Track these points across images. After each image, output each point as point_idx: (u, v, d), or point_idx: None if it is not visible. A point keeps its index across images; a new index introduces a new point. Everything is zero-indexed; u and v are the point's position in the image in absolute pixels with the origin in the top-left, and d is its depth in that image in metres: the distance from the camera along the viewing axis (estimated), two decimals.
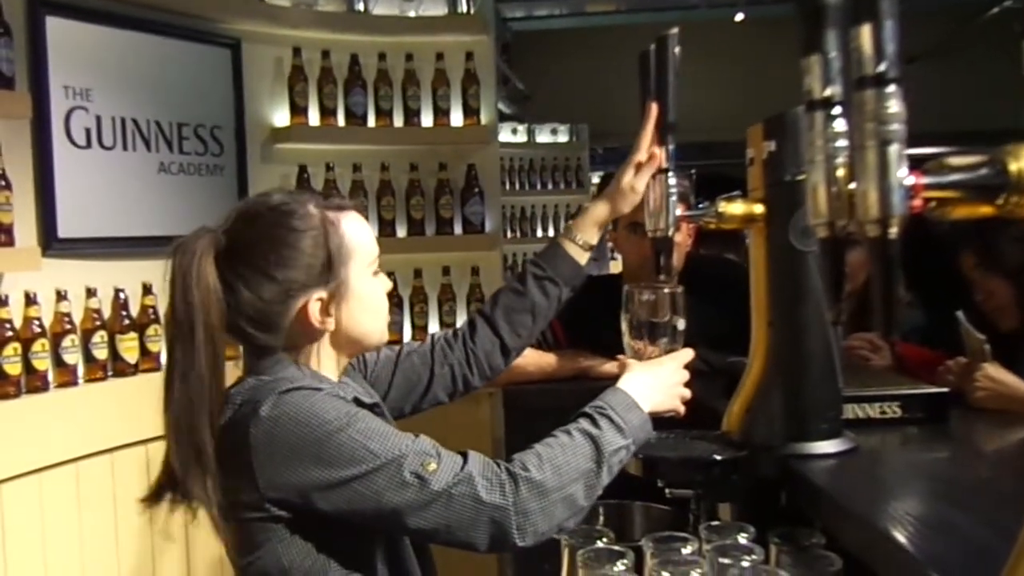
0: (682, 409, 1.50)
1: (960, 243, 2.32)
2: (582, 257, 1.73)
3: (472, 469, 1.27)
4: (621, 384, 1.44)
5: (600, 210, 1.73)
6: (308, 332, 1.40)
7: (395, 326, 3.30)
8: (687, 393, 1.50)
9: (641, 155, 1.67)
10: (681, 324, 1.53)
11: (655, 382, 1.46)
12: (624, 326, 1.56)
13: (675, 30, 1.60)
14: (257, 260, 1.36)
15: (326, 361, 1.43)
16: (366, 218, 1.49)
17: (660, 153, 1.66)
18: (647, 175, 1.67)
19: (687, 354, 1.53)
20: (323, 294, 1.37)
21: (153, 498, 1.38)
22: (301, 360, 1.41)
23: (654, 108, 1.65)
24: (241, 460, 1.29)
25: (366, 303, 1.42)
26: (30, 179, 2.53)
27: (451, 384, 1.71)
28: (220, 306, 1.34)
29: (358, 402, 1.38)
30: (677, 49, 1.60)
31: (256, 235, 1.38)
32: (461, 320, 3.49)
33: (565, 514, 1.30)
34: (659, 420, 1.47)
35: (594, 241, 1.73)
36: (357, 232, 1.42)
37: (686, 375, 1.51)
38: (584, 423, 1.36)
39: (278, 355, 1.39)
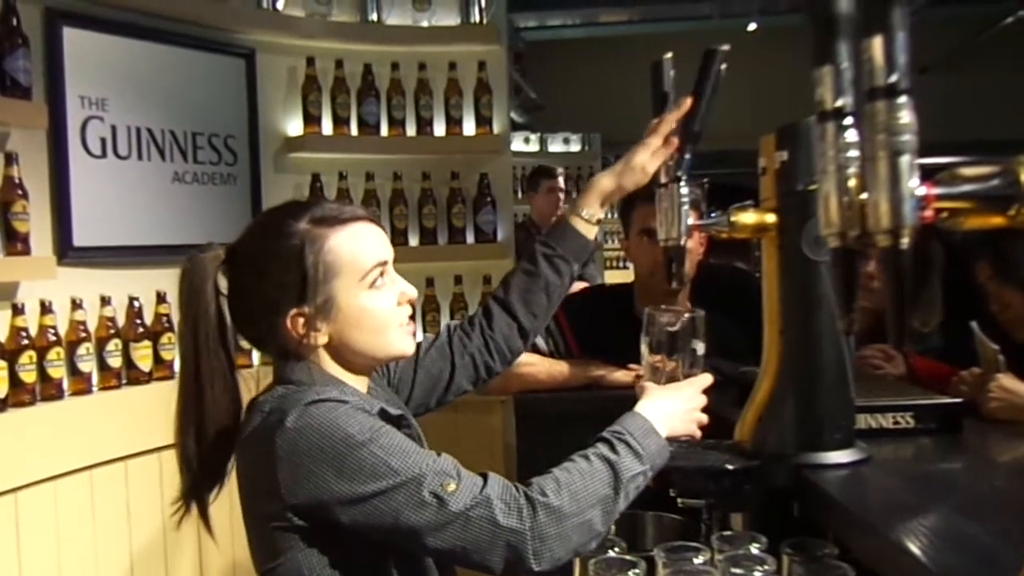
0: (698, 434, 1.49)
1: (975, 254, 2.31)
2: (590, 231, 1.72)
3: (491, 492, 1.27)
4: (639, 408, 1.42)
5: (606, 183, 1.71)
6: (302, 346, 1.40)
7: None
8: (704, 418, 1.49)
9: (658, 139, 1.66)
10: (701, 348, 1.52)
11: (673, 407, 1.44)
12: (644, 348, 1.55)
13: (726, 47, 1.60)
14: (244, 275, 1.42)
15: (338, 372, 1.43)
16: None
17: (675, 140, 1.65)
18: (661, 158, 1.66)
19: (706, 379, 1.51)
20: (303, 310, 1.37)
21: (185, 504, 1.45)
22: (319, 367, 1.41)
23: (689, 101, 1.63)
24: (266, 469, 1.30)
25: (360, 321, 1.40)
26: (46, 188, 2.55)
27: (473, 372, 1.71)
28: (217, 319, 1.40)
29: (384, 414, 1.37)
30: (723, 66, 1.60)
31: (246, 249, 1.43)
32: None
33: (582, 539, 1.29)
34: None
35: (600, 215, 1.72)
36: (349, 247, 1.39)
37: (704, 400, 1.49)
38: (602, 448, 1.35)
39: (294, 361, 1.41)
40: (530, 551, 1.25)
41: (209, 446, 1.40)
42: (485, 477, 1.30)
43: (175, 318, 2.76)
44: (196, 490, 1.44)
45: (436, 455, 1.32)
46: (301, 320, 1.38)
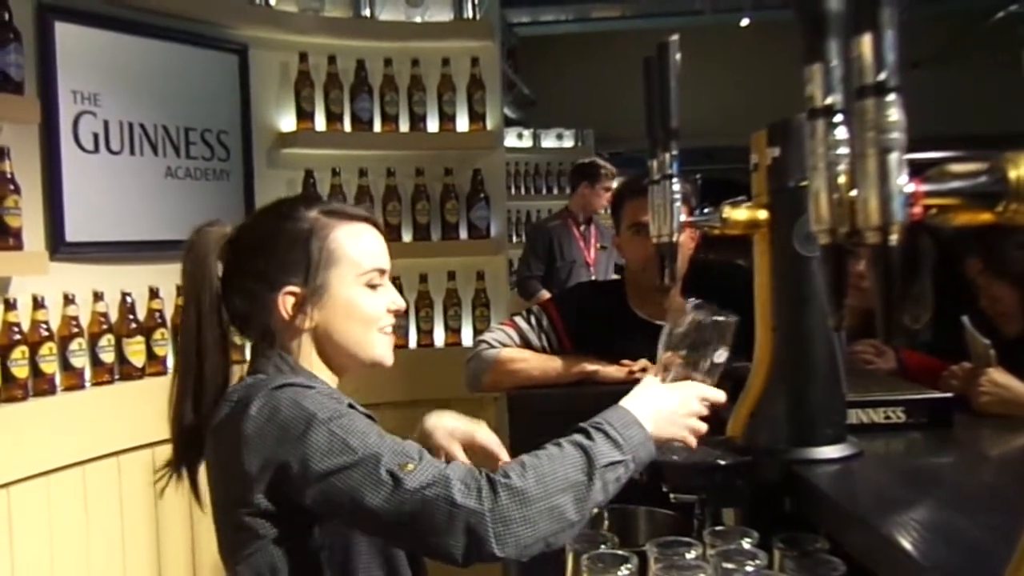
0: (693, 442, 1.44)
1: (965, 249, 2.32)
2: None
3: (450, 473, 1.24)
4: (622, 402, 1.40)
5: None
6: (289, 329, 1.43)
7: (400, 330, 3.31)
8: (702, 427, 1.44)
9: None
10: (721, 356, 1.48)
11: (662, 405, 1.40)
12: (660, 348, 1.50)
13: (675, 37, 1.60)
14: (244, 251, 1.46)
15: (315, 365, 1.45)
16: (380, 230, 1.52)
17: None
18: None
19: (710, 390, 1.47)
20: (296, 289, 1.41)
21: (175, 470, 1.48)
22: (296, 360, 1.44)
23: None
24: (233, 453, 1.31)
25: (350, 311, 1.43)
26: (38, 183, 2.55)
27: None
28: (214, 294, 1.44)
29: (352, 408, 1.38)
30: (678, 55, 1.60)
31: (253, 228, 1.49)
32: (466, 325, 3.50)
33: (551, 527, 1.24)
34: None
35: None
36: (352, 242, 1.44)
37: (703, 409, 1.45)
38: (576, 435, 1.32)
39: (274, 352, 1.43)
40: (491, 534, 1.20)
41: (207, 413, 1.42)
42: (450, 464, 1.30)
43: (168, 313, 2.77)
44: (187, 457, 1.47)
45: (401, 440, 1.31)
46: (292, 300, 1.41)
